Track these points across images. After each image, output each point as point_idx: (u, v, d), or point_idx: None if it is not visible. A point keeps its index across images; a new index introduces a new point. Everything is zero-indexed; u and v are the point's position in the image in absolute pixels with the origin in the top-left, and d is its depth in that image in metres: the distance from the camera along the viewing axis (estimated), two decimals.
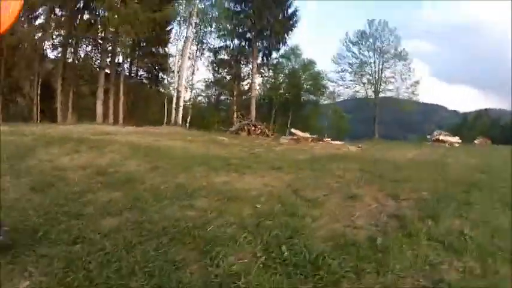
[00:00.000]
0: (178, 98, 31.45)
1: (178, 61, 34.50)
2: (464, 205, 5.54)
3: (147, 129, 20.68)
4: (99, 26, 31.02)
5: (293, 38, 69.60)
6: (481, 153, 18.11)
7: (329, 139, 23.70)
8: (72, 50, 34.69)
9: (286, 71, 51.02)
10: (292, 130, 24.37)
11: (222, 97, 48.25)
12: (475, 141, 35.14)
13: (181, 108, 31.14)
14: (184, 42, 32.90)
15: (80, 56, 35.17)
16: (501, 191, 6.63)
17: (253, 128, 26.19)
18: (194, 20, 32.72)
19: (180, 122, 30.66)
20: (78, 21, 32.31)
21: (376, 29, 52.61)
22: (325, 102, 55.94)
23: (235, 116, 33.48)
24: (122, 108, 33.93)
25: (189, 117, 36.13)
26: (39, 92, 33.08)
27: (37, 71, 33.09)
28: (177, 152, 10.45)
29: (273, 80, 50.57)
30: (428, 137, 33.99)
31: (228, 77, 44.53)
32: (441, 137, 30.80)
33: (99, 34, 32.48)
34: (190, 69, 39.12)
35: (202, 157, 9.55)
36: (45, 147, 8.91)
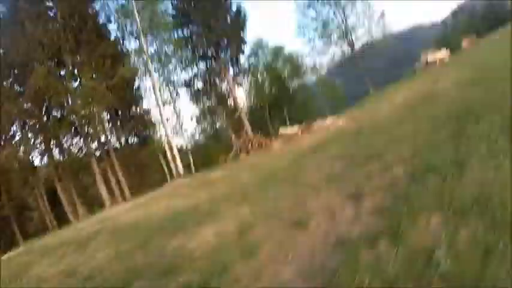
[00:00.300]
0: (170, 149, 30.71)
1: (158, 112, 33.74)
2: None
3: (139, 199, 19.74)
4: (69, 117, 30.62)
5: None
6: (471, 60, 16.46)
7: (320, 120, 22.60)
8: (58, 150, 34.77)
9: (260, 68, 49.73)
10: (280, 131, 23.54)
11: (217, 124, 47.06)
12: (463, 45, 33.86)
13: (178, 158, 30.24)
14: (153, 90, 32.27)
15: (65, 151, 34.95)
16: None
17: (250, 144, 25.04)
18: (152, 67, 32.09)
19: (182, 172, 29.71)
20: (48, 122, 32.37)
21: None
22: (313, 78, 53.97)
23: (232, 138, 32.57)
24: (125, 182, 33.47)
25: (192, 162, 35.45)
26: (45, 201, 33.93)
27: (35, 184, 33.64)
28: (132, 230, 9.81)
29: (256, 82, 49.37)
30: (416, 64, 32.69)
31: (213, 103, 43.56)
32: (429, 59, 29.51)
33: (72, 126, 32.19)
34: (174, 114, 38.45)
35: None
36: None
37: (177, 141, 36.58)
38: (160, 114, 31.37)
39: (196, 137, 47.61)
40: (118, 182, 33.46)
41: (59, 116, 32.59)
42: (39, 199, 35.61)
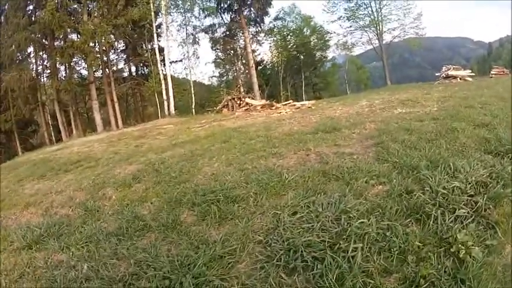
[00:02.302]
0: (166, 89, 31.64)
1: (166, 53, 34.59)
2: None
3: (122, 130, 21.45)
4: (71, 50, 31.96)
5: None
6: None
7: (291, 102, 22.82)
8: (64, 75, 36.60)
9: (286, 33, 48.75)
10: (247, 100, 23.90)
11: (230, 74, 47.36)
12: (492, 73, 31.63)
13: (171, 99, 31.30)
14: (157, 36, 33.28)
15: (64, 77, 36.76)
16: None
17: (238, 102, 25.37)
18: (166, 9, 32.75)
19: (173, 112, 30.84)
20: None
21: None
22: (342, 53, 51.75)
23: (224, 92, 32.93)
24: (119, 112, 35.17)
25: (193, 104, 36.29)
26: (48, 118, 36.32)
27: (40, 100, 36.20)
28: None
29: (281, 43, 48.38)
30: (437, 74, 31.67)
31: (231, 53, 43.91)
32: (451, 72, 28.95)
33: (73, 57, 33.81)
34: (192, 55, 39.49)
35: None
36: None
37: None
38: (162, 54, 32.69)
39: (213, 80, 48.39)
40: (114, 110, 35.07)
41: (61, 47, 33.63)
42: (42, 117, 38.22)
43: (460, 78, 27.08)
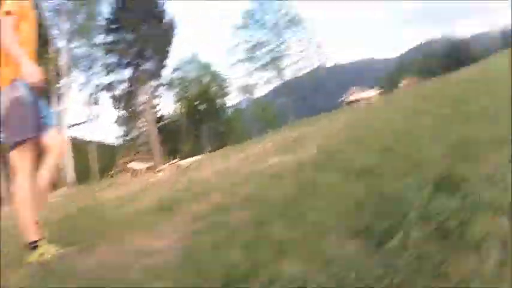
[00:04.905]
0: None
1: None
2: None
3: None
4: None
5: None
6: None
7: (176, 160, 22.76)
8: None
9: (186, 83, 49.30)
10: (129, 165, 23.67)
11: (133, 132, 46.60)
12: (402, 85, 33.02)
13: (70, 166, 30.36)
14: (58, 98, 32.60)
15: None
16: None
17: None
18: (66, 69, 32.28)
19: (73, 176, 29.80)
20: None
21: (261, 2, 49.46)
22: (245, 96, 53.59)
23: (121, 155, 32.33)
24: None
25: (96, 168, 35.39)
26: None
27: None
28: None
29: (182, 93, 48.87)
30: (340, 100, 32.39)
31: (133, 110, 43.40)
32: (352, 97, 29.67)
33: None
34: (94, 116, 38.84)
35: None
36: None
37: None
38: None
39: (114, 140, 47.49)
40: None
41: None
42: None
43: (364, 100, 27.82)
